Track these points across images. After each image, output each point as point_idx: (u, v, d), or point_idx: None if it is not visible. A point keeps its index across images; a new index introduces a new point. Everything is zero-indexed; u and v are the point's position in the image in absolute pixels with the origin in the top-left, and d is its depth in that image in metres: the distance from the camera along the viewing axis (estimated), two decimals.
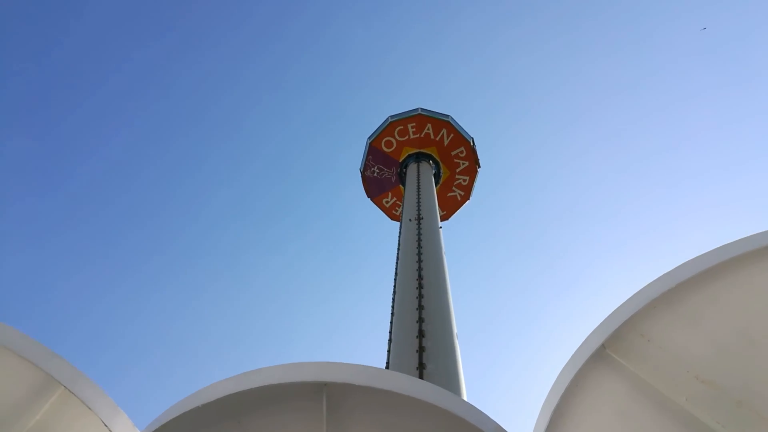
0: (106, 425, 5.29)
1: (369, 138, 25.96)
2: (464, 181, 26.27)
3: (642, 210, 51.90)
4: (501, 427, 4.43)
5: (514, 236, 54.43)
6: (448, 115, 25.33)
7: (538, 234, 54.52)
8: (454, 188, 26.53)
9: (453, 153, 25.72)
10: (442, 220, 27.41)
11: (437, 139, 25.49)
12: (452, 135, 25.35)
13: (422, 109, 25.29)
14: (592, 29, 51.22)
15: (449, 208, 27.17)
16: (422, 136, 25.51)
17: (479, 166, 25.89)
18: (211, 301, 49.62)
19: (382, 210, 27.58)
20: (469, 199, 26.63)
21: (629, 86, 51.30)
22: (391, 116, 25.47)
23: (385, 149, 25.94)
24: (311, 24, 52.41)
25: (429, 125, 25.29)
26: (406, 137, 25.62)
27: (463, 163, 25.89)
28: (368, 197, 27.41)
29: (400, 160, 25.84)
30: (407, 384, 4.25)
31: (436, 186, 26.10)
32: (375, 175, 26.68)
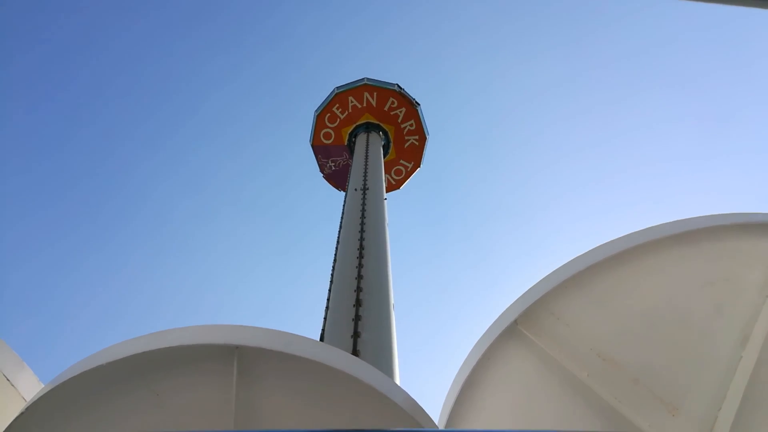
0: (8, 380, 5.09)
1: (309, 141, 26.08)
2: (411, 125, 26.52)
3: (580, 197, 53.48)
4: (411, 397, 4.54)
5: (457, 219, 55.16)
6: (362, 79, 25.39)
7: (482, 217, 55.45)
8: (407, 137, 26.87)
9: (386, 108, 25.79)
10: (414, 169, 27.81)
11: (365, 105, 25.52)
12: (375, 92, 25.34)
13: (337, 88, 25.32)
14: (530, 25, 50.54)
15: (414, 156, 27.39)
16: (351, 111, 25.50)
17: (417, 104, 26.06)
18: (144, 264, 47.81)
19: None
20: (426, 138, 26.90)
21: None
22: (316, 110, 25.61)
23: (326, 141, 26.01)
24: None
25: (350, 97, 25.29)
26: (338, 121, 25.66)
27: (401, 110, 26.04)
28: (340, 191, 27.63)
29: (346, 143, 25.92)
30: (319, 350, 4.27)
31: (390, 146, 26.40)
32: (333, 169, 26.78)
